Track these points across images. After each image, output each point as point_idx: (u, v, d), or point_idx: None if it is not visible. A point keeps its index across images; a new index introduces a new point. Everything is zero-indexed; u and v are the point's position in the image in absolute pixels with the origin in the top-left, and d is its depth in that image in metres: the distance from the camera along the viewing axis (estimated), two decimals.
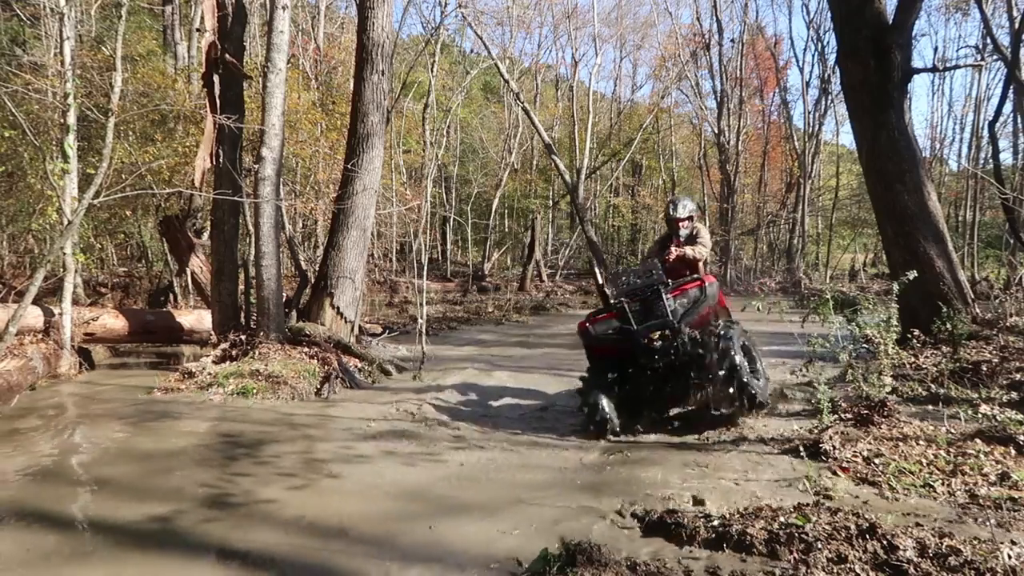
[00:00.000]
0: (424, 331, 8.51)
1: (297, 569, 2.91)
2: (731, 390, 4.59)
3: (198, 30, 13.68)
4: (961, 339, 7.09)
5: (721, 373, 4.59)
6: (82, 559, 2.99)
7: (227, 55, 8.09)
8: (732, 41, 26.50)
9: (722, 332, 4.72)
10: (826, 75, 25.23)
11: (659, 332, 4.93)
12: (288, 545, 3.11)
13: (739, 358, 4.62)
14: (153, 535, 3.21)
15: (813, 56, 30.60)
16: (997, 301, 9.63)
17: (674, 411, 5.41)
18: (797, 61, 50.85)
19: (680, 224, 5.84)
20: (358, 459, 4.53)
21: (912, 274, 5.81)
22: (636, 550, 2.99)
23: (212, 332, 8.41)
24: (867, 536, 2.87)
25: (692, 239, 5.84)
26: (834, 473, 3.94)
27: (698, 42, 27.81)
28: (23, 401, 6.13)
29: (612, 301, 5.39)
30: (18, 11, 15.11)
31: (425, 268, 9.54)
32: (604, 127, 32.24)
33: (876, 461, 4.08)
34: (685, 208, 5.85)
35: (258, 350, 7.38)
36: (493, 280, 23.20)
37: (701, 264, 5.86)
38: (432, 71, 22.25)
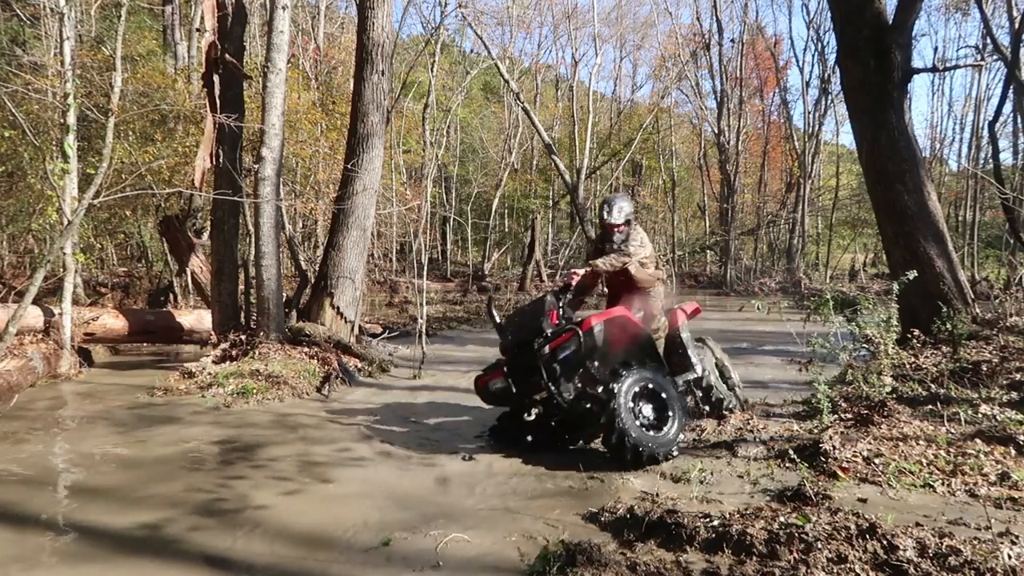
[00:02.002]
0: (424, 331, 8.51)
1: None
2: (613, 441, 4.10)
3: (198, 30, 13.68)
4: (961, 339, 7.08)
5: (612, 436, 4.10)
6: (74, 563, 2.98)
7: (227, 55, 8.09)
8: (732, 41, 26.52)
9: (612, 387, 4.16)
10: (826, 75, 25.24)
11: (540, 393, 4.43)
12: (278, 553, 3.10)
13: (624, 415, 4.08)
14: (145, 540, 3.19)
15: (813, 56, 30.61)
16: (997, 301, 9.63)
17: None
18: (797, 61, 50.85)
19: (615, 230, 5.04)
20: (355, 462, 4.53)
21: (912, 274, 5.82)
22: (636, 550, 2.99)
23: (212, 332, 8.41)
24: (867, 536, 2.87)
25: (610, 244, 5.06)
26: (834, 473, 3.94)
27: (698, 42, 27.82)
28: (23, 401, 6.12)
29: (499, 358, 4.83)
30: (18, 11, 15.12)
31: (425, 268, 9.54)
32: (604, 127, 32.25)
33: (876, 461, 4.08)
34: (621, 212, 5.01)
35: (258, 350, 7.38)
36: (493, 280, 23.20)
37: (645, 274, 5.08)
38: (432, 71, 22.26)
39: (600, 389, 4.28)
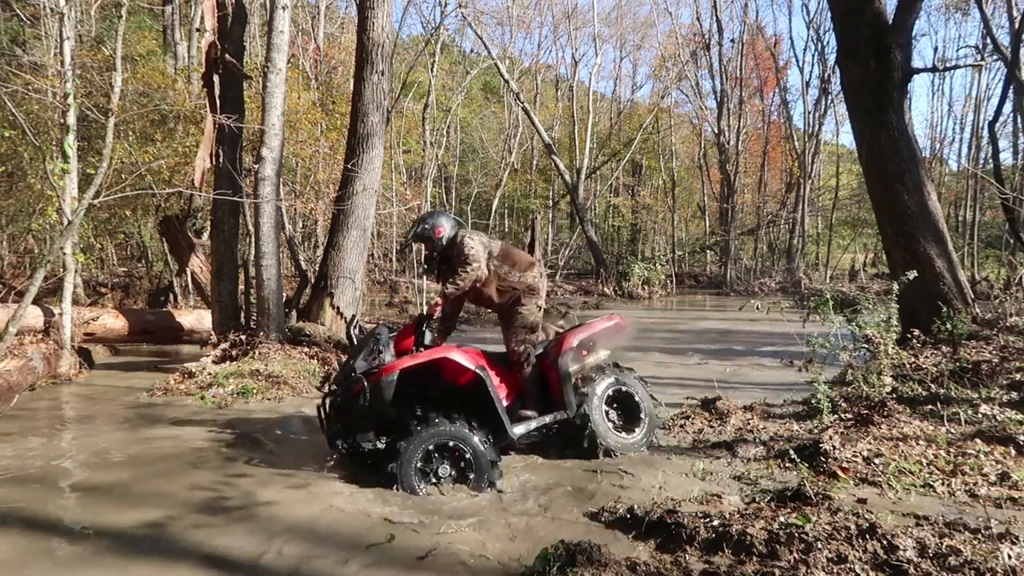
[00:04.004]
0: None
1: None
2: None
3: (198, 30, 13.68)
4: (961, 339, 7.09)
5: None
6: (76, 562, 2.98)
7: (227, 55, 8.09)
8: (732, 41, 26.50)
9: (399, 445, 3.80)
10: (826, 75, 25.23)
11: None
12: (280, 551, 3.11)
13: (403, 460, 3.72)
14: (147, 538, 3.19)
15: (813, 56, 30.61)
16: (997, 301, 9.64)
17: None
18: (797, 61, 50.81)
19: (447, 252, 4.45)
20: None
21: (912, 274, 5.82)
22: (636, 550, 2.99)
23: (212, 332, 8.41)
24: (867, 536, 2.87)
25: (451, 265, 4.41)
26: (834, 473, 3.94)
27: (698, 42, 27.82)
28: (23, 401, 6.13)
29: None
30: (18, 11, 15.11)
31: (425, 268, 9.51)
32: (604, 127, 32.25)
33: (876, 461, 4.08)
34: (434, 229, 4.42)
35: (258, 350, 7.38)
36: None
37: (503, 285, 4.46)
38: (432, 71, 22.27)
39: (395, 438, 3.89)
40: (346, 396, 4.04)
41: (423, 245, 4.54)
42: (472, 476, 3.82)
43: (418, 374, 4.03)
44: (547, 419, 4.33)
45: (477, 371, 4.04)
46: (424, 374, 4.08)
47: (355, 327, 4.59)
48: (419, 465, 3.78)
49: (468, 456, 3.82)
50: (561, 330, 4.80)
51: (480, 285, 4.40)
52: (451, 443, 3.83)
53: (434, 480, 3.81)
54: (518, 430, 4.20)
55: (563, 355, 4.39)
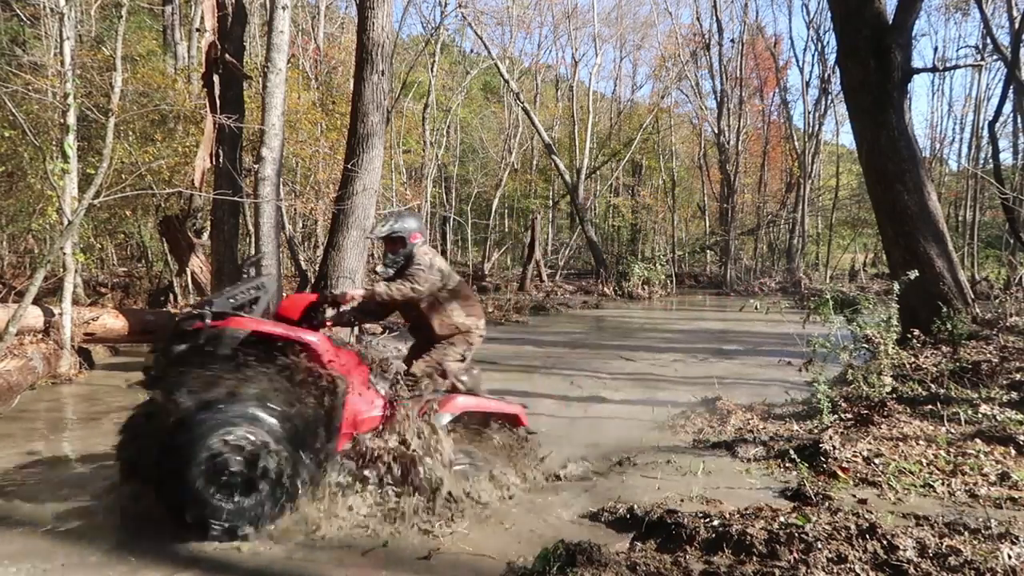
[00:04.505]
0: None
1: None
2: None
3: (198, 30, 13.67)
4: (961, 339, 7.09)
5: None
6: (76, 562, 2.98)
7: (227, 55, 8.09)
8: (732, 41, 26.48)
9: None
10: (826, 75, 25.22)
11: None
12: (280, 550, 3.11)
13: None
14: (147, 538, 3.19)
15: (813, 56, 30.57)
16: (997, 301, 9.65)
17: None
18: (797, 61, 50.74)
19: (390, 248, 4.07)
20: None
21: (912, 274, 5.83)
22: (636, 550, 2.99)
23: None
24: (867, 536, 2.87)
25: (402, 267, 4.01)
26: (834, 473, 3.94)
27: (698, 42, 27.80)
28: (23, 401, 6.12)
29: None
30: (18, 11, 15.11)
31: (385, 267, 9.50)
32: (604, 127, 32.23)
33: (876, 461, 4.08)
34: (400, 230, 4.00)
35: None
36: (493, 280, 23.18)
37: (442, 318, 4.01)
38: (432, 71, 22.26)
39: None
40: (176, 331, 3.36)
41: (389, 244, 4.02)
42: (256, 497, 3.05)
43: (273, 349, 3.35)
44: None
45: (337, 378, 3.35)
46: (280, 353, 3.37)
47: (250, 266, 4.15)
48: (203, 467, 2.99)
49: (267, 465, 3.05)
50: (461, 384, 4.02)
51: (425, 308, 3.96)
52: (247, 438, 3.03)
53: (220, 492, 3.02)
54: (339, 465, 3.43)
55: (437, 416, 3.69)
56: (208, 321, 3.27)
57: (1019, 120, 24.95)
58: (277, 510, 3.10)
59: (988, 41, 15.19)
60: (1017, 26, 8.54)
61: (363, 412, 3.53)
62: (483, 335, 4.19)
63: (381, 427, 3.55)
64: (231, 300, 3.47)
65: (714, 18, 26.08)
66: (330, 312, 3.89)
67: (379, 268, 4.21)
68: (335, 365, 3.43)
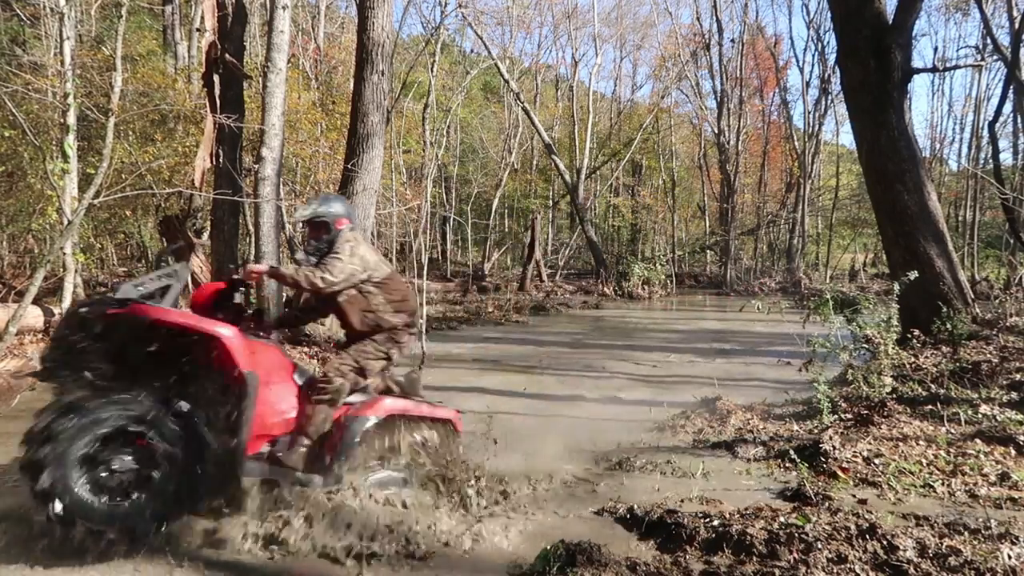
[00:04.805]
0: (424, 331, 8.50)
1: None
2: None
3: (198, 30, 13.67)
4: (961, 339, 7.09)
5: None
6: (78, 562, 2.98)
7: (227, 55, 8.10)
8: (732, 41, 26.49)
9: None
10: (826, 75, 25.23)
11: None
12: (270, 557, 3.11)
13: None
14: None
15: (813, 56, 30.62)
16: (997, 301, 9.65)
17: None
18: (797, 61, 50.91)
19: (313, 235, 3.67)
20: None
21: (912, 274, 5.83)
22: (636, 550, 2.99)
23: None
24: (867, 536, 2.87)
25: (322, 256, 3.58)
26: (834, 473, 3.94)
27: (698, 42, 27.81)
28: (23, 401, 6.12)
29: None
30: (18, 11, 15.10)
31: (425, 268, 9.53)
32: (604, 127, 32.22)
33: (876, 461, 4.08)
34: (325, 214, 3.62)
35: None
36: (493, 280, 23.17)
37: (363, 308, 3.59)
38: (432, 71, 22.23)
39: None
40: (73, 319, 3.13)
41: (312, 229, 3.65)
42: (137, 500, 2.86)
43: (183, 344, 3.09)
44: (298, 475, 3.26)
45: (246, 373, 3.10)
46: (189, 347, 3.11)
47: (168, 254, 3.97)
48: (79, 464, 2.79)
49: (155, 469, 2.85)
50: (395, 386, 3.79)
51: (344, 302, 3.56)
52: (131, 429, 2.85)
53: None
54: (250, 468, 3.17)
55: (359, 419, 3.43)
56: (108, 309, 3.02)
57: (1019, 120, 24.95)
58: (166, 514, 2.89)
59: (988, 41, 15.19)
60: (1017, 26, 8.54)
61: (281, 412, 3.31)
62: (413, 333, 3.89)
63: (296, 428, 3.33)
64: (139, 288, 3.17)
65: (714, 18, 26.09)
66: (238, 297, 3.55)
67: (299, 255, 3.82)
68: (248, 361, 3.14)
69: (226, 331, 3.12)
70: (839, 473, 3.93)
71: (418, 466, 3.60)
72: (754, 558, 2.79)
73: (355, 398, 3.55)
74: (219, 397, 3.11)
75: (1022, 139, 26.33)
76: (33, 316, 7.45)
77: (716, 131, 26.35)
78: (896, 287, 5.99)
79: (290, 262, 11.77)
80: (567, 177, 24.44)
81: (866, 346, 6.29)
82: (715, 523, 3.08)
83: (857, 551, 2.77)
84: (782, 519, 3.11)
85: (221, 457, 3.02)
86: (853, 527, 2.94)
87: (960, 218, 28.93)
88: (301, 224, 3.74)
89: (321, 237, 3.61)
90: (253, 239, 8.63)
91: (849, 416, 4.99)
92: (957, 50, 29.28)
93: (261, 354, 3.28)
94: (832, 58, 23.85)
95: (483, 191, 31.04)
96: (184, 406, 2.98)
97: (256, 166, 7.90)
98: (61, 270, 8.08)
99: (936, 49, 35.25)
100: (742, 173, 27.19)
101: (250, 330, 3.42)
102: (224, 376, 3.13)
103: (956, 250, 9.06)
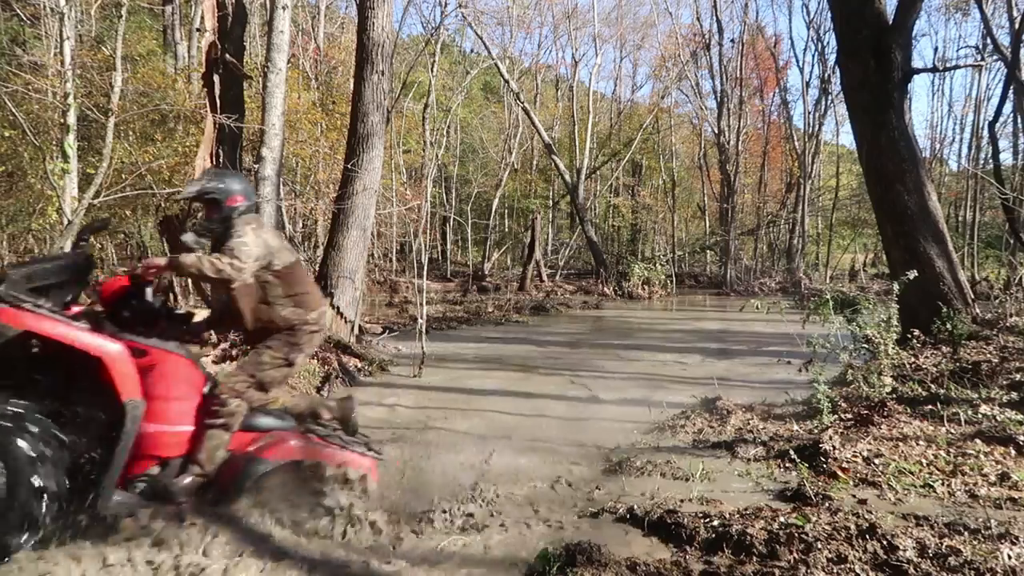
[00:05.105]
0: (424, 331, 8.50)
1: None
2: None
3: (198, 30, 13.67)
4: (961, 339, 7.09)
5: None
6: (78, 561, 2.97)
7: (227, 55, 8.10)
8: (732, 41, 26.48)
9: None
10: (826, 75, 25.23)
11: None
12: (277, 548, 3.11)
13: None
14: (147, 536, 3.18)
15: (813, 56, 30.58)
16: (997, 301, 9.64)
17: None
18: (797, 61, 50.83)
19: (210, 212, 3.25)
20: None
21: (912, 274, 5.82)
22: (636, 550, 2.99)
23: (211, 332, 8.40)
24: (867, 536, 2.87)
25: (220, 239, 3.19)
26: (834, 473, 3.94)
27: (698, 42, 27.80)
28: None
29: None
30: (18, 11, 15.10)
31: (425, 268, 9.53)
32: (604, 127, 32.23)
33: (876, 461, 4.08)
34: (216, 190, 3.20)
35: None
36: (493, 280, 23.18)
37: (257, 301, 3.19)
38: (432, 71, 22.24)
39: None
40: None
41: (204, 207, 3.25)
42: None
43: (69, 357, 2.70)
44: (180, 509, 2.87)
45: (126, 403, 2.72)
46: (77, 360, 2.71)
47: (90, 233, 3.42)
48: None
49: None
50: (325, 411, 3.39)
51: (236, 293, 3.13)
52: None
53: None
54: (117, 500, 2.78)
55: (257, 461, 3.04)
56: None
57: (1019, 120, 24.95)
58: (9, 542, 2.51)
59: (988, 41, 15.18)
60: (1017, 26, 8.54)
61: (179, 434, 2.93)
62: (317, 330, 3.34)
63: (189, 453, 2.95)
64: (30, 279, 2.74)
65: (714, 18, 26.09)
66: (150, 295, 3.11)
67: (186, 237, 3.32)
68: (132, 386, 2.75)
69: (110, 348, 2.72)
70: (839, 473, 3.93)
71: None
72: (754, 558, 2.79)
73: (270, 421, 3.21)
74: (101, 417, 2.74)
75: (1022, 139, 26.34)
76: None
77: (716, 131, 26.35)
78: (896, 287, 5.99)
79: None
80: (567, 177, 24.44)
81: (866, 346, 6.28)
82: (715, 523, 3.08)
83: (857, 551, 2.77)
84: (782, 519, 3.11)
85: (77, 487, 2.63)
86: (853, 527, 2.94)
87: (960, 218, 28.94)
88: (187, 201, 3.24)
89: (212, 217, 3.20)
90: None
91: (849, 416, 4.99)
92: (957, 50, 29.29)
93: (164, 367, 2.90)
94: (832, 58, 23.87)
95: (483, 191, 31.04)
96: (39, 429, 2.55)
97: (256, 166, 7.90)
98: None
99: (936, 49, 35.26)
100: (742, 173, 27.19)
101: (163, 336, 3.01)
102: (94, 398, 2.75)
103: (956, 250, 9.05)
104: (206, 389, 3.06)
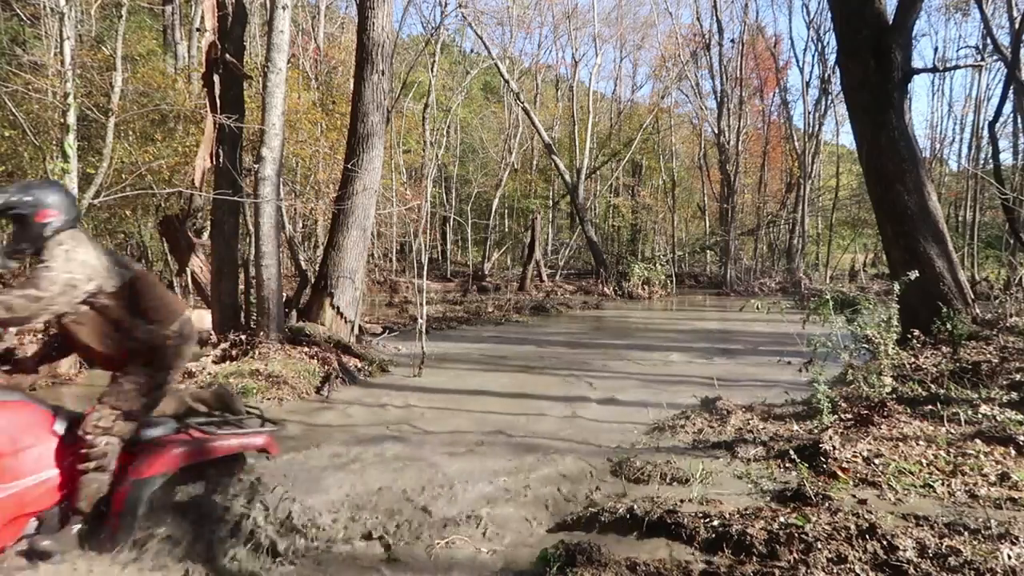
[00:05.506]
0: (424, 331, 8.50)
1: None
2: None
3: (198, 30, 13.68)
4: (961, 339, 7.09)
5: None
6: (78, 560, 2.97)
7: (227, 55, 8.10)
8: (732, 41, 26.48)
9: None
10: (826, 75, 25.25)
11: None
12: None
13: None
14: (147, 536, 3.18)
15: (813, 56, 30.65)
16: (997, 301, 9.64)
17: None
18: (797, 61, 50.99)
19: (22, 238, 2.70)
20: (349, 463, 4.50)
21: (912, 274, 5.82)
22: (636, 550, 2.99)
23: (212, 332, 8.41)
24: (867, 536, 2.87)
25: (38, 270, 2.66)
26: (834, 473, 3.94)
27: (698, 42, 27.81)
28: None
29: None
30: (18, 11, 15.10)
31: (425, 268, 9.53)
32: (604, 127, 32.24)
33: (876, 461, 4.08)
34: (20, 203, 2.64)
35: (258, 350, 7.38)
36: (493, 280, 23.19)
37: (100, 330, 2.80)
38: (432, 71, 22.25)
39: None
40: None
41: (12, 225, 2.68)
42: None
43: None
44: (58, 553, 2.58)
45: None
46: None
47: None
48: None
49: None
50: (201, 405, 3.15)
51: (70, 323, 2.73)
52: None
53: None
54: None
55: (143, 481, 2.77)
56: None
57: (1019, 120, 24.96)
58: None
59: (988, 41, 15.19)
60: (1017, 26, 8.54)
61: (41, 484, 2.58)
62: (181, 343, 2.93)
63: (63, 500, 2.64)
64: None
65: (714, 18, 26.09)
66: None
67: None
68: None
69: None
70: (839, 473, 3.93)
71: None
72: (754, 558, 2.79)
73: (145, 432, 2.89)
74: None
75: (1022, 139, 26.35)
76: None
77: (716, 131, 26.35)
78: (896, 287, 5.99)
79: (291, 262, 11.77)
80: (567, 177, 24.44)
81: (866, 346, 6.28)
82: (715, 523, 3.08)
83: (857, 551, 2.77)
84: (782, 519, 3.11)
85: None
86: (853, 527, 2.94)
87: (960, 218, 28.95)
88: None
89: (20, 236, 2.67)
90: (253, 239, 8.62)
91: (849, 416, 4.99)
92: (957, 50, 29.31)
93: (17, 412, 2.56)
94: (832, 58, 23.89)
95: (483, 191, 31.05)
96: None
97: (256, 166, 7.90)
98: None
99: (936, 49, 35.24)
100: (742, 173, 27.20)
101: None
102: None
103: (956, 250, 9.05)
104: (58, 425, 2.72)
